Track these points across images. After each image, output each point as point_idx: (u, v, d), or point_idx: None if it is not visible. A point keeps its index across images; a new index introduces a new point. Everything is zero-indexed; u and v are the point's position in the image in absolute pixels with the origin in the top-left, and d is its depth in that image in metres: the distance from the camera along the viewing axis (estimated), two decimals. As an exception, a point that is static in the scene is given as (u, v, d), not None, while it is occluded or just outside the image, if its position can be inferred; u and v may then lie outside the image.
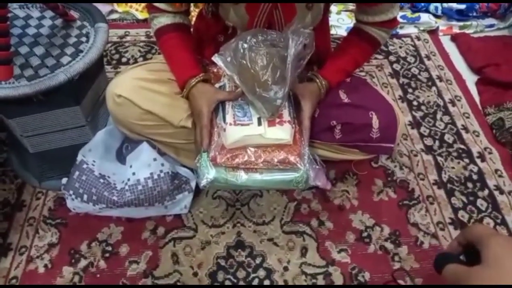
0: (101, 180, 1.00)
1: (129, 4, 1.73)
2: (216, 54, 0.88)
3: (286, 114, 0.92)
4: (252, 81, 0.87)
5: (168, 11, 0.94)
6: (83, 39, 0.98)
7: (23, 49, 0.94)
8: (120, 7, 1.72)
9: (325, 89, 0.98)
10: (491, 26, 1.76)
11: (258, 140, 0.89)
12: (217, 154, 0.89)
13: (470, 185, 1.24)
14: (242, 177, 0.90)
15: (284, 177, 0.91)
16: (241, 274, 1.02)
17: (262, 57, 0.86)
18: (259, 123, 0.90)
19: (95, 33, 0.98)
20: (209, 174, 0.89)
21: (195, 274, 1.01)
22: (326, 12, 0.97)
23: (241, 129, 0.89)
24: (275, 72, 0.86)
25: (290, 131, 0.90)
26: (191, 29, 1.04)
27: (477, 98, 1.50)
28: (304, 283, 1.01)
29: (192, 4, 0.94)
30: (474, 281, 0.53)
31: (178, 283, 1.00)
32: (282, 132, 0.89)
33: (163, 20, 0.95)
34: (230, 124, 0.89)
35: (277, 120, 0.91)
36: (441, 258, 0.65)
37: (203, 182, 0.90)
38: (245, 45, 0.87)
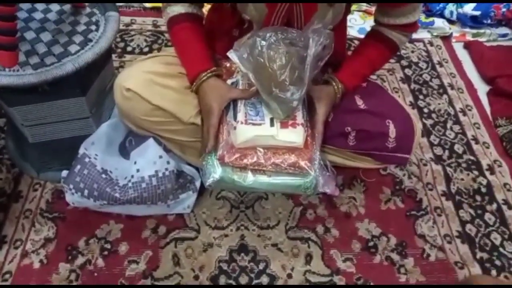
0: (103, 176, 0.97)
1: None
2: (231, 50, 0.85)
3: (299, 117, 0.89)
4: (269, 80, 0.83)
5: None
6: (93, 27, 0.93)
7: (29, 35, 0.89)
8: (128, -7, 1.66)
9: (341, 93, 0.94)
10: (505, 35, 1.73)
11: (269, 141, 0.86)
12: (225, 153, 0.85)
13: (478, 198, 1.21)
14: (249, 178, 0.87)
15: (293, 181, 0.89)
16: (243, 279, 0.99)
17: (281, 56, 0.83)
18: (272, 124, 0.86)
19: (106, 22, 0.94)
20: (216, 173, 0.86)
21: (196, 277, 0.98)
22: (347, 11, 0.94)
23: (253, 128, 0.85)
24: (293, 73, 0.83)
25: (303, 135, 0.87)
26: (204, 21, 0.99)
27: (488, 109, 1.48)
28: (308, 292, 0.99)
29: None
30: None
31: (179, 286, 0.97)
32: (295, 135, 0.86)
33: (177, 9, 0.90)
34: (241, 123, 0.86)
35: (290, 122, 0.88)
36: None
37: (209, 181, 0.87)
38: (264, 42, 0.83)
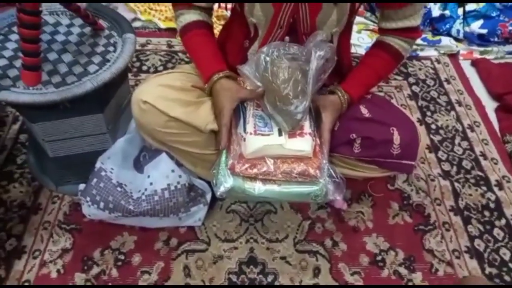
0: (119, 189, 1.00)
1: (152, 13, 1.76)
2: (239, 66, 0.90)
3: (307, 126, 0.92)
4: (273, 94, 0.87)
5: (193, 5, 0.95)
6: (111, 48, 0.99)
7: (52, 56, 0.95)
8: (143, 16, 1.74)
9: (346, 103, 0.97)
10: (512, 53, 1.75)
11: (278, 150, 0.89)
12: (236, 163, 0.88)
13: (487, 213, 1.22)
14: (259, 187, 0.90)
15: (303, 189, 0.91)
16: (252, 291, 1.01)
17: (284, 71, 0.86)
18: (280, 134, 0.90)
19: (123, 43, 0.99)
20: (227, 182, 0.89)
21: (206, 289, 1.01)
22: (352, 13, 0.94)
23: (262, 138, 0.89)
24: (296, 86, 0.86)
25: (311, 143, 0.90)
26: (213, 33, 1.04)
27: (496, 125, 1.49)
28: (316, 305, 1.00)
29: (215, 17, 0.95)
30: None
31: (189, 297, 0.99)
32: (303, 144, 0.89)
33: (189, 17, 0.96)
34: (251, 134, 0.89)
35: (298, 132, 0.91)
36: None
37: (220, 190, 0.89)
38: (267, 58, 0.88)
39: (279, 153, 0.89)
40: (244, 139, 0.89)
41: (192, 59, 0.99)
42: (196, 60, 0.98)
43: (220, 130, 0.90)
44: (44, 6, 1.05)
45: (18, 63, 0.92)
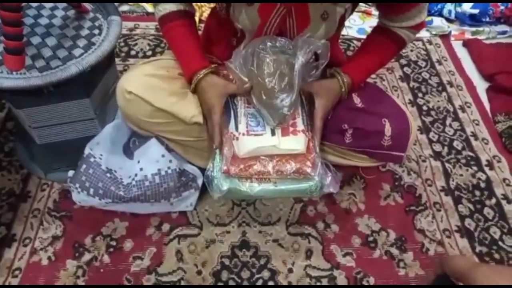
0: (108, 175, 0.99)
1: (139, -4, 1.72)
2: (229, 60, 0.88)
3: (300, 123, 0.91)
4: (259, 88, 0.86)
5: None
6: (96, 31, 0.97)
7: (35, 40, 0.93)
8: (131, -1, 1.70)
9: (347, 87, 0.94)
10: (504, 33, 1.75)
11: (272, 150, 0.88)
12: (229, 166, 0.87)
13: (477, 193, 1.23)
14: (255, 187, 0.89)
15: (298, 186, 0.90)
16: (245, 274, 1.01)
17: (269, 64, 0.85)
18: (273, 133, 0.89)
19: (108, 25, 0.97)
20: (223, 186, 0.88)
21: (199, 273, 1.01)
22: (341, 25, 0.93)
23: (255, 139, 0.88)
24: (282, 80, 0.85)
25: (304, 141, 0.89)
26: (195, 16, 1.00)
27: (487, 105, 1.49)
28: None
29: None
30: None
31: (182, 281, 0.99)
32: (296, 143, 0.89)
33: (168, 7, 0.92)
34: (243, 134, 0.88)
35: (291, 129, 0.90)
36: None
37: (217, 194, 0.89)
38: (255, 51, 0.86)
39: (273, 153, 0.88)
40: (237, 138, 0.88)
41: (173, 52, 0.95)
42: (177, 54, 0.95)
43: (212, 130, 0.88)
44: (26, -11, 1.03)
45: (0, 47, 0.90)
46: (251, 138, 0.88)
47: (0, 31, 0.88)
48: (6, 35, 0.82)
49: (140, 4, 1.70)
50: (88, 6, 1.02)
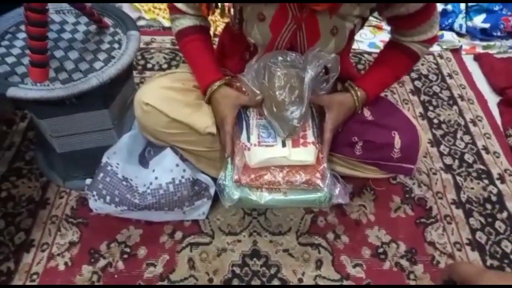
0: (124, 183, 1.03)
1: (156, 11, 1.78)
2: (242, 73, 0.92)
3: (310, 135, 0.94)
4: (270, 101, 0.89)
5: (189, 13, 0.95)
6: (116, 45, 1.01)
7: (58, 53, 0.97)
8: (148, 14, 1.76)
9: (360, 101, 0.95)
10: (515, 47, 1.75)
11: (282, 161, 0.91)
12: (240, 175, 0.90)
13: (489, 206, 1.23)
14: (265, 197, 0.91)
15: (308, 197, 0.92)
16: (255, 283, 1.03)
17: (280, 78, 0.88)
18: (284, 145, 0.91)
19: (127, 40, 1.01)
20: (234, 195, 0.91)
21: (210, 281, 1.02)
22: (351, 39, 0.95)
23: (266, 150, 0.90)
24: (292, 92, 0.88)
25: (314, 153, 0.91)
26: (211, 32, 1.04)
27: (498, 119, 1.49)
28: (318, 296, 1.02)
29: (218, 15, 0.96)
30: None
31: (194, 288, 1.01)
32: (307, 154, 0.91)
33: (185, 22, 0.96)
34: (255, 145, 0.91)
35: (301, 141, 0.92)
36: None
37: (228, 203, 0.92)
38: (267, 65, 0.89)
39: (283, 164, 0.91)
40: (248, 149, 0.91)
41: (189, 65, 1.00)
42: (193, 67, 0.99)
43: (224, 139, 0.92)
44: (51, 5, 1.08)
45: (25, 60, 0.95)
46: (262, 149, 0.91)
47: (26, 45, 0.93)
48: (31, 49, 0.87)
49: (157, 19, 1.76)
50: (108, 21, 1.07)
